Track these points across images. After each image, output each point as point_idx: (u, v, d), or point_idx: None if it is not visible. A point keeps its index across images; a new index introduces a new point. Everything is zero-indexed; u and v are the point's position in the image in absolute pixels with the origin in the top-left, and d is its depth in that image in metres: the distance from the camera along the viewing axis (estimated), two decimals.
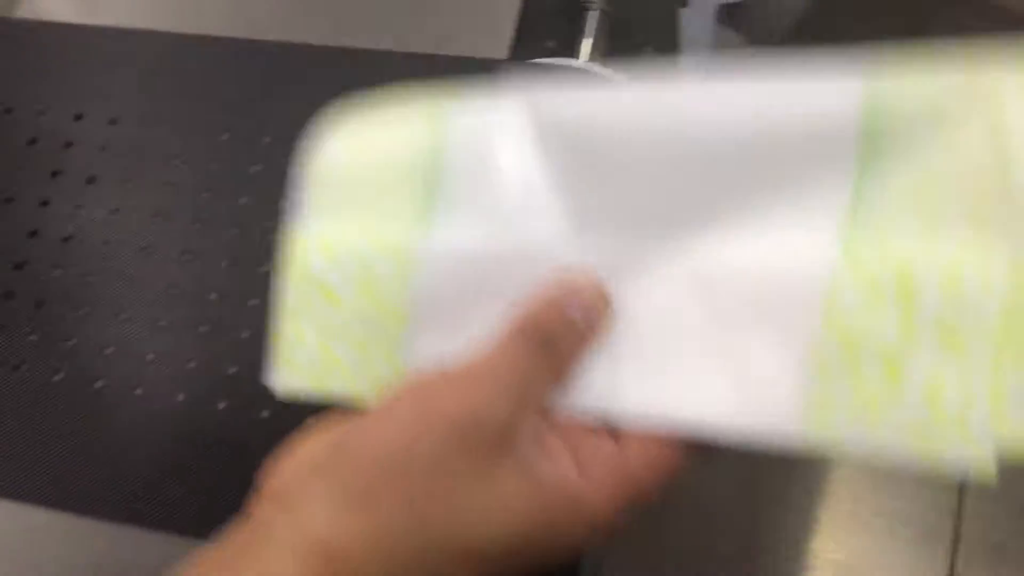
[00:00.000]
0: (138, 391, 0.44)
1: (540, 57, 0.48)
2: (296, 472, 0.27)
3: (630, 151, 0.29)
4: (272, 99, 0.49)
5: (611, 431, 0.28)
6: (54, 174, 0.50)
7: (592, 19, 0.49)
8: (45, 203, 0.49)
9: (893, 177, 0.27)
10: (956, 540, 1.03)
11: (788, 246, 0.27)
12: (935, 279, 0.25)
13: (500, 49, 0.49)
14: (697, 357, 0.28)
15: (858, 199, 0.27)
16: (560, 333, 0.28)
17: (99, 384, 0.44)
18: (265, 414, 0.42)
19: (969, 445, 0.24)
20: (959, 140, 0.26)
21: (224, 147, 0.48)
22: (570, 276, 0.29)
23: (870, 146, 0.27)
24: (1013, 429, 0.24)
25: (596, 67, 0.46)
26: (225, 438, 0.42)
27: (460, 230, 0.31)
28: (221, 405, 0.43)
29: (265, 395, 0.34)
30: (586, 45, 0.49)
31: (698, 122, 0.28)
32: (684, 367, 0.28)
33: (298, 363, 0.33)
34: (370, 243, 0.32)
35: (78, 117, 0.51)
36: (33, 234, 0.48)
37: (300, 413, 0.35)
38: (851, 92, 0.27)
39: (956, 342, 0.25)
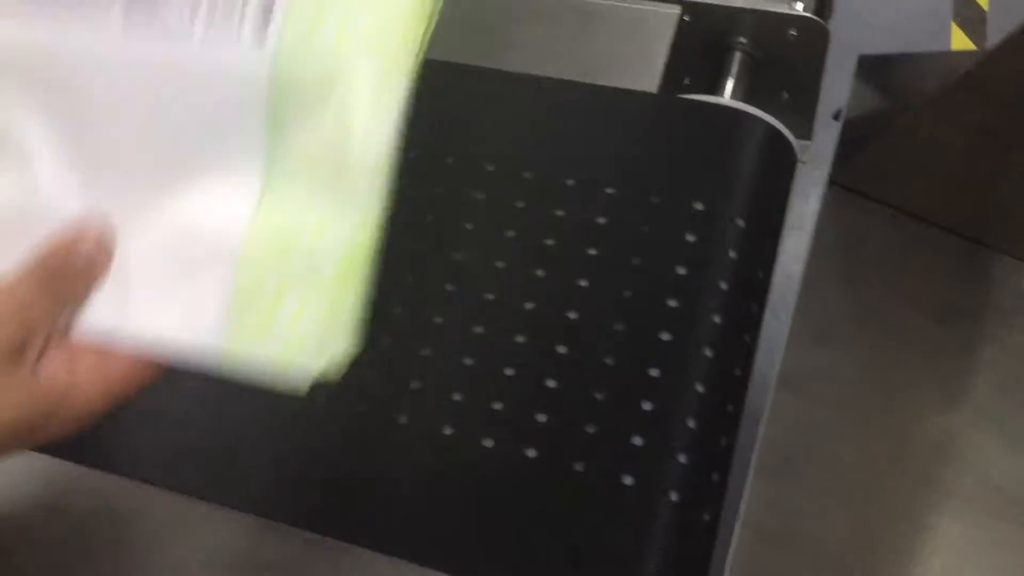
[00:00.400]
0: (402, 419, 0.45)
1: (686, 93, 0.51)
2: None
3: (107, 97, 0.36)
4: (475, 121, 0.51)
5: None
6: None
7: (735, 60, 0.53)
8: None
9: (294, 144, 0.34)
10: None
11: (218, 203, 0.35)
12: (304, 239, 0.34)
13: (651, 83, 0.53)
14: (157, 290, 0.36)
15: (271, 163, 0.35)
16: (65, 270, 0.35)
17: (363, 408, 0.46)
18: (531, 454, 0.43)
19: (307, 361, 0.33)
20: (327, 114, 0.34)
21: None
22: (77, 222, 0.36)
23: (277, 113, 0.34)
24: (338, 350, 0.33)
25: (740, 105, 0.49)
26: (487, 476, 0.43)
27: None
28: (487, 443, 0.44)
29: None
30: (729, 84, 0.52)
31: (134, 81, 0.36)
32: (148, 298, 0.36)
33: None
34: None
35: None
36: None
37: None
38: (262, 58, 0.34)
39: (310, 286, 0.34)
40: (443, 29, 0.35)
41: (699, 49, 0.53)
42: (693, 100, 0.50)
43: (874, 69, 0.63)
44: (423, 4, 0.34)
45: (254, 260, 0.35)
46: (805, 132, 0.55)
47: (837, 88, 0.58)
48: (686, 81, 0.55)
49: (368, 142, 0.33)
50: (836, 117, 0.56)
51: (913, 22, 0.61)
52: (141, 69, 0.35)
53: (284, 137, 0.34)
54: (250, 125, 0.34)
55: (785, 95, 0.54)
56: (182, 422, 0.47)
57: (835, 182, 0.92)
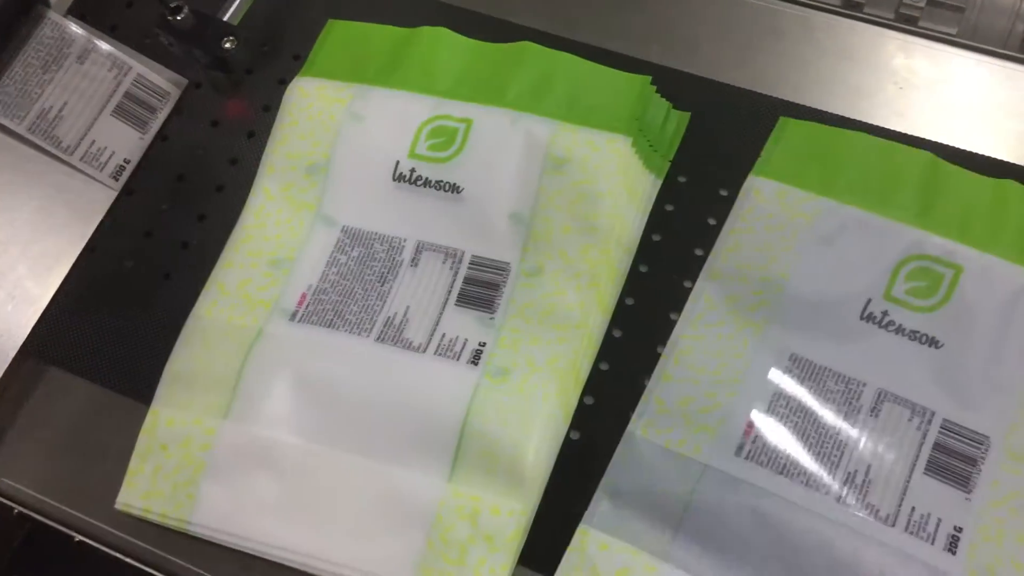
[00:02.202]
0: None
1: None
2: None
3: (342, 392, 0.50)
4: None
5: None
6: None
7: None
8: None
9: (477, 445, 0.49)
10: None
11: (417, 477, 0.48)
12: (483, 514, 0.48)
13: None
14: (358, 531, 0.48)
15: (458, 454, 0.48)
16: None
17: None
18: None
19: None
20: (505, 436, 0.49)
21: None
22: None
23: (470, 421, 0.49)
24: None
25: None
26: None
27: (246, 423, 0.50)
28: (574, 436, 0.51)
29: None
30: None
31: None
32: (349, 532, 0.48)
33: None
34: (188, 421, 0.51)
35: None
36: None
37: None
38: (471, 378, 0.50)
39: (490, 546, 0.47)
40: None
41: None
42: None
43: None
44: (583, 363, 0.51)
45: (445, 526, 0.47)
46: None
47: None
48: None
49: (536, 462, 0.48)
50: None
51: None
52: (384, 363, 0.50)
53: (472, 439, 0.48)
54: (450, 423, 0.48)
55: None
56: None
57: None
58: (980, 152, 0.55)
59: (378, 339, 0.51)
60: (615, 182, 0.53)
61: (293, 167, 0.56)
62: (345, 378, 0.50)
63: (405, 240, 0.54)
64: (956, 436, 0.47)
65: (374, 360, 0.50)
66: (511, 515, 0.47)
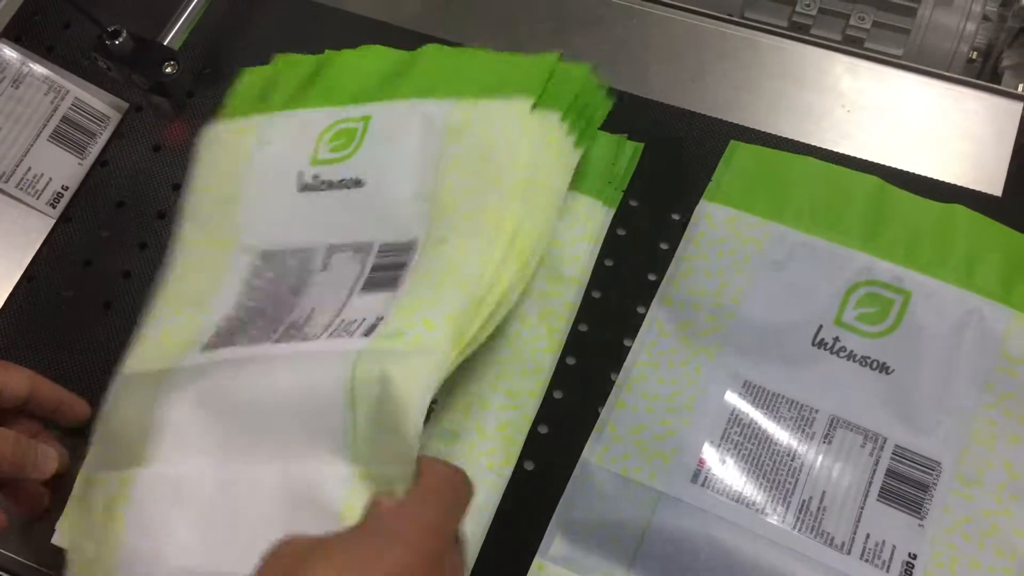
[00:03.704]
0: None
1: None
2: None
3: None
4: None
5: None
6: None
7: None
8: None
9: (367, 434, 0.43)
10: None
11: (315, 475, 0.42)
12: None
13: (996, 186, 0.56)
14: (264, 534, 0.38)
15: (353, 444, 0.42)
16: None
17: None
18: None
19: None
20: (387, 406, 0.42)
21: None
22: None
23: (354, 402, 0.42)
24: None
25: None
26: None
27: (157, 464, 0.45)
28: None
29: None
30: None
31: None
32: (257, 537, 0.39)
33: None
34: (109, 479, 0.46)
35: None
36: None
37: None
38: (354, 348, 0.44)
39: None
40: None
41: None
42: None
43: None
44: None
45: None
46: None
47: None
48: None
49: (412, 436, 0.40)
50: None
51: None
52: (276, 359, 0.45)
53: (361, 408, 0.42)
54: (336, 399, 0.42)
55: None
56: None
57: None
58: (927, 175, 0.55)
59: (277, 340, 0.47)
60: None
61: (209, 207, 0.54)
62: (241, 386, 0.45)
63: (315, 249, 0.52)
64: (908, 462, 0.47)
65: (268, 361, 0.46)
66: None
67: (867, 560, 0.45)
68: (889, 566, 0.45)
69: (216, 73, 0.62)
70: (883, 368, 0.49)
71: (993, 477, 0.46)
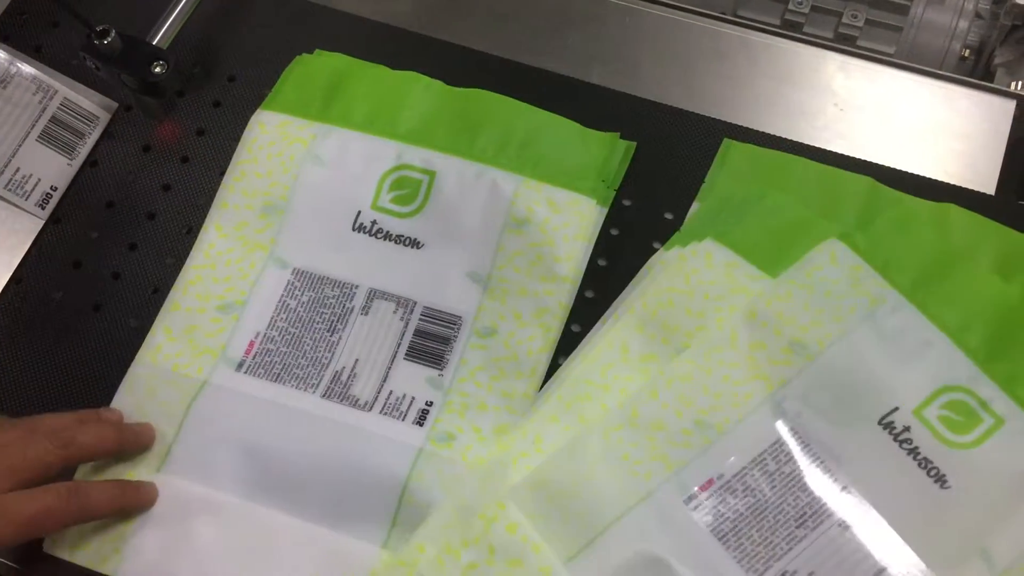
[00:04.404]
0: None
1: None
2: None
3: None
4: None
5: None
6: None
7: None
8: None
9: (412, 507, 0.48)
10: None
11: (354, 536, 0.47)
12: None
13: (989, 184, 0.56)
14: None
15: (396, 516, 0.47)
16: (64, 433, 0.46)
17: None
18: None
19: None
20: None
21: None
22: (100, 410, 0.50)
23: (410, 482, 0.48)
24: None
25: None
26: None
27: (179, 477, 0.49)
28: None
29: None
30: None
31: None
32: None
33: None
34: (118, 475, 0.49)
35: None
36: None
37: None
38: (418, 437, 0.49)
39: None
40: None
41: None
42: None
43: None
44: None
45: None
46: None
47: None
48: None
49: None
50: None
51: None
52: (328, 423, 0.50)
53: (410, 507, 0.47)
54: (390, 488, 0.48)
55: None
56: None
57: None
58: (920, 173, 0.55)
59: (324, 395, 0.50)
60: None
61: (249, 205, 0.55)
62: (287, 437, 0.49)
63: (357, 286, 0.53)
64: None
65: (318, 419, 0.50)
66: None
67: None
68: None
69: (207, 70, 0.61)
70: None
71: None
